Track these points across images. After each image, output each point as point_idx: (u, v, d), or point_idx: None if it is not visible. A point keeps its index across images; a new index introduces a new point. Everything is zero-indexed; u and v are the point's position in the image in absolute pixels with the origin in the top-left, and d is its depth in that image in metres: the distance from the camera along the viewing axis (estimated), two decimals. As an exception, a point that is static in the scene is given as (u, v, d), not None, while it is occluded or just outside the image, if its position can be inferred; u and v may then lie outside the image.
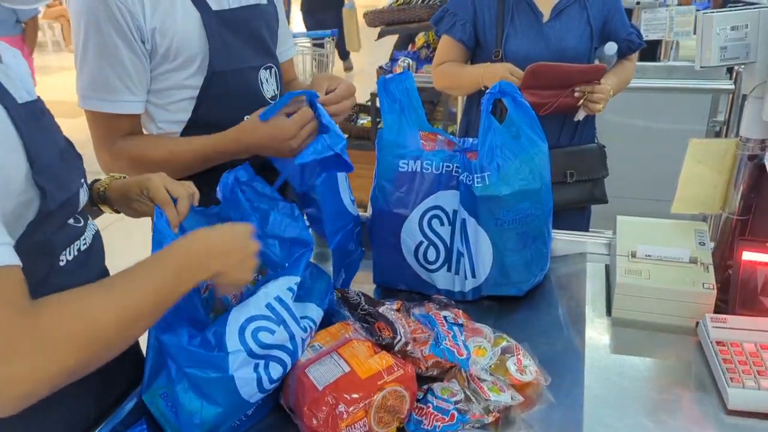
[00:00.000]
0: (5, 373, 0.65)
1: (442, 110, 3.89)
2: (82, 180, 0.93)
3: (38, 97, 0.88)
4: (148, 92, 1.27)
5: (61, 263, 0.85)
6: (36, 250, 0.79)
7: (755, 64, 1.16)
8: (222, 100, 1.28)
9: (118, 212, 1.10)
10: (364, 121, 4.05)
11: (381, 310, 1.10)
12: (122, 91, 1.21)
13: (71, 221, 0.89)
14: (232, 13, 1.28)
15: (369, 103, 3.91)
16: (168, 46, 1.21)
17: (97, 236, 0.97)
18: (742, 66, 1.20)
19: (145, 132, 1.33)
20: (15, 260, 0.70)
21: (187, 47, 1.22)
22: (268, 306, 0.94)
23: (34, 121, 0.81)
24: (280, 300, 0.95)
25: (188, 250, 0.85)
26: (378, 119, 3.77)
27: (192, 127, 1.28)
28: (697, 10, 3.82)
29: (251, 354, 0.90)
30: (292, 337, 0.95)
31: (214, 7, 1.25)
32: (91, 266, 0.93)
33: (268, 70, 1.36)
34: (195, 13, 1.22)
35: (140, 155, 1.24)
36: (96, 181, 1.09)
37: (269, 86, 1.37)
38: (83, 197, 0.91)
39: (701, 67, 1.19)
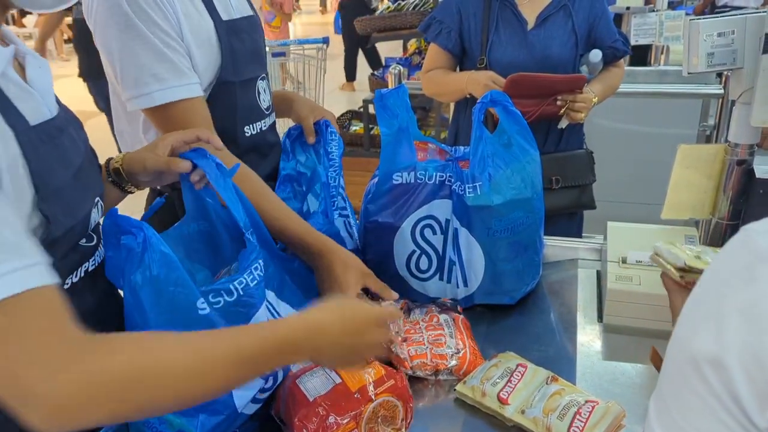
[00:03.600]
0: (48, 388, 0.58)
1: (435, 116, 3.90)
2: (97, 198, 0.88)
3: (61, 109, 0.84)
4: None
5: (66, 286, 0.81)
6: None
7: (742, 70, 1.16)
8: (225, 110, 1.25)
9: (137, 188, 1.04)
10: (357, 127, 4.05)
11: (382, 304, 1.10)
12: (187, 73, 1.13)
13: (82, 241, 0.85)
14: (237, 23, 1.27)
15: (362, 110, 3.92)
16: (188, 49, 1.15)
17: None
18: (730, 71, 1.21)
19: (144, 139, 1.27)
20: (52, 279, 0.63)
21: (203, 54, 1.18)
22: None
23: (47, 143, 0.76)
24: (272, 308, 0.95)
25: (295, 336, 0.77)
26: (371, 125, 3.77)
27: None
28: (687, 14, 3.88)
29: None
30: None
31: (224, 17, 1.23)
32: (99, 287, 0.88)
33: (264, 81, 1.37)
34: (210, 21, 1.20)
35: None
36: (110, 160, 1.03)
37: (265, 96, 1.37)
38: (96, 215, 0.87)
39: (689, 73, 1.19)
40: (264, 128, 1.37)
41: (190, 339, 0.69)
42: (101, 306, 0.89)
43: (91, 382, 0.60)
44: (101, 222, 0.89)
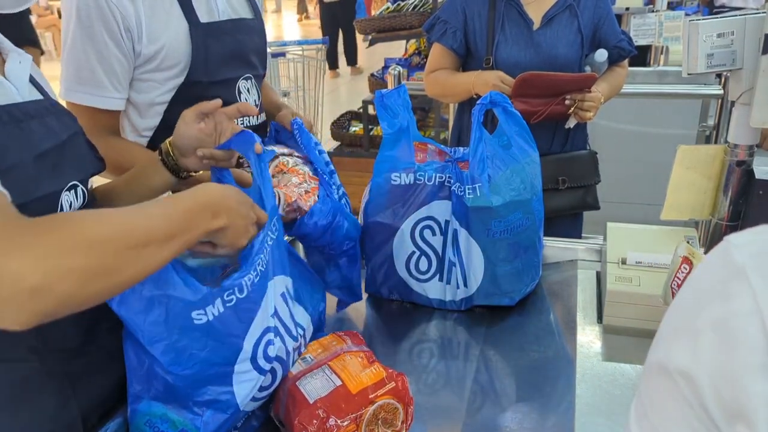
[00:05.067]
0: (10, 267, 0.61)
1: (434, 117, 3.90)
2: (73, 182, 0.92)
3: (46, 100, 0.91)
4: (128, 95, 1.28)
5: None
6: None
7: (742, 71, 1.16)
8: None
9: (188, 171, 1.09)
10: (357, 128, 4.05)
11: None
12: (108, 87, 1.23)
13: None
14: (219, 25, 1.29)
15: (361, 110, 3.92)
16: (156, 50, 1.22)
17: None
18: (730, 72, 1.21)
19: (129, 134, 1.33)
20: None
21: (173, 55, 1.24)
22: (274, 315, 0.94)
23: (8, 123, 0.82)
24: (276, 312, 0.95)
25: (205, 192, 0.84)
26: (370, 126, 3.77)
27: (163, 130, 1.29)
28: (686, 15, 3.87)
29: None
30: (287, 351, 0.95)
31: (204, 19, 1.27)
32: None
33: (248, 81, 1.38)
34: (184, 23, 1.24)
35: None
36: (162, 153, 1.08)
37: (249, 96, 1.38)
38: (70, 200, 0.91)
39: (688, 74, 1.19)
40: (246, 126, 1.37)
41: (123, 211, 0.75)
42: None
43: (61, 251, 0.64)
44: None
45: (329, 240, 1.19)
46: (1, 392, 0.85)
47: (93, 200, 1.00)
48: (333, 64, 8.59)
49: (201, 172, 1.10)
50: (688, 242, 1.06)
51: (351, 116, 4.23)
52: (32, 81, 0.95)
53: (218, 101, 1.00)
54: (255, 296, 0.91)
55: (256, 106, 1.41)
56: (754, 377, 0.43)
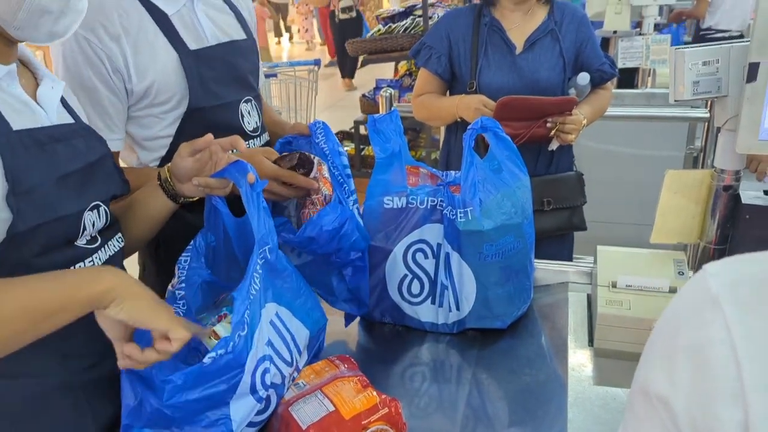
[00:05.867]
0: None
1: (425, 137, 3.93)
2: (96, 203, 0.95)
3: (76, 124, 0.96)
4: (129, 130, 1.29)
5: None
6: (14, 272, 0.80)
7: (727, 98, 1.19)
8: (200, 135, 1.29)
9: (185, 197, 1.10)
10: (348, 148, 4.08)
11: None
12: (103, 130, 1.23)
13: (81, 242, 0.92)
14: (209, 50, 1.30)
15: (352, 131, 3.94)
16: (148, 86, 1.23)
17: (115, 257, 0.99)
18: (715, 99, 1.23)
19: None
20: None
21: (166, 87, 1.25)
22: (268, 343, 0.94)
23: (31, 146, 0.85)
24: (269, 339, 0.95)
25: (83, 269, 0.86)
26: (362, 146, 3.80)
27: (169, 160, 1.29)
28: (672, 36, 3.93)
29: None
30: (283, 377, 0.95)
31: (192, 46, 1.27)
32: None
33: (248, 103, 1.38)
34: (173, 54, 1.25)
35: None
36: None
37: (251, 119, 1.38)
38: (93, 219, 0.94)
39: (675, 100, 1.22)
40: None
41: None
42: None
43: None
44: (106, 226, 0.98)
45: (336, 247, 1.17)
46: (19, 406, 0.87)
47: (115, 221, 1.03)
48: (345, 74, 8.96)
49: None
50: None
51: (342, 136, 4.25)
52: (65, 105, 0.99)
53: (209, 136, 1.02)
54: (251, 329, 0.91)
55: (258, 127, 1.41)
56: (725, 404, 0.44)
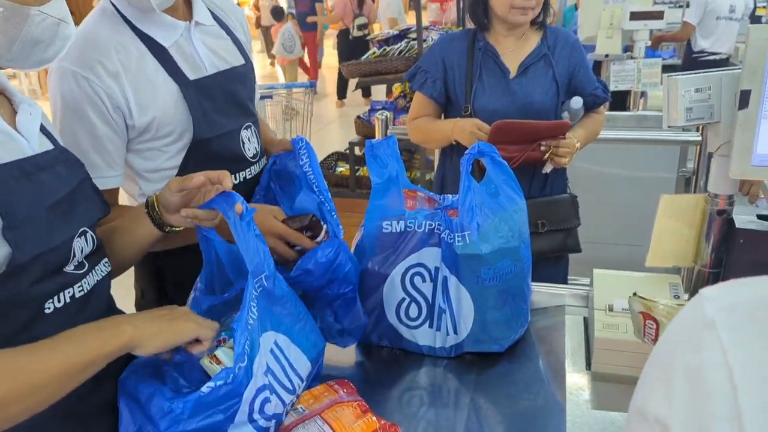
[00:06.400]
0: None
1: (420, 158, 3.95)
2: (84, 228, 0.95)
3: (56, 149, 0.96)
4: (132, 162, 1.29)
5: (47, 311, 0.88)
6: (11, 300, 0.83)
7: (719, 124, 1.21)
8: (205, 166, 1.29)
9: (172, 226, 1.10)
10: (343, 168, 4.09)
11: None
12: (102, 167, 1.23)
13: (69, 269, 0.92)
14: (208, 80, 1.30)
15: (347, 152, 3.96)
16: (149, 121, 1.23)
17: (103, 281, 0.99)
18: (708, 124, 1.25)
19: (129, 200, 1.35)
20: None
21: (168, 120, 1.24)
22: (267, 372, 0.94)
23: (19, 178, 0.86)
24: (269, 368, 0.95)
25: (100, 321, 0.88)
26: (357, 167, 3.81)
27: None
28: (663, 59, 3.99)
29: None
30: (283, 403, 0.95)
31: (191, 76, 1.27)
32: (90, 311, 0.95)
33: (248, 129, 1.39)
34: (173, 86, 1.24)
35: None
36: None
37: (251, 145, 1.39)
38: (81, 245, 0.95)
39: (669, 126, 1.23)
40: (250, 176, 1.39)
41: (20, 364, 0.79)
42: None
43: None
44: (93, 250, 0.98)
45: (330, 278, 1.17)
46: None
47: (101, 245, 1.03)
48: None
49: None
50: (633, 294, 1.11)
51: (337, 157, 4.26)
52: (43, 129, 0.98)
53: (201, 179, 1.02)
54: (250, 359, 0.91)
55: (257, 153, 1.42)
56: (721, 427, 0.45)
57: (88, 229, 0.97)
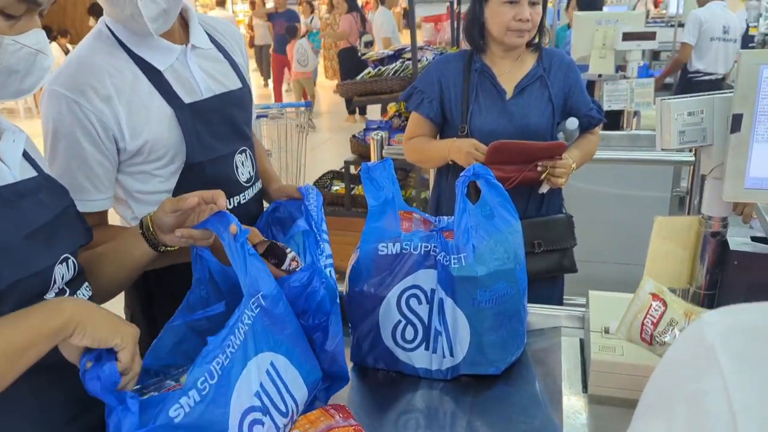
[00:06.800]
0: None
1: (415, 177, 3.96)
2: (66, 255, 0.94)
3: (40, 176, 0.95)
4: (124, 183, 1.29)
5: None
6: None
7: (712, 147, 1.22)
8: (197, 189, 1.29)
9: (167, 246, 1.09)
10: (338, 187, 4.10)
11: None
12: (90, 190, 1.24)
13: (50, 295, 0.91)
14: (204, 103, 1.30)
15: (343, 170, 3.97)
16: (141, 144, 1.23)
17: None
18: (701, 147, 1.26)
19: (122, 222, 1.34)
20: None
21: (161, 144, 1.25)
22: (258, 394, 0.93)
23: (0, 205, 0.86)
24: (263, 389, 0.94)
25: (43, 303, 0.84)
26: (352, 185, 3.82)
27: None
28: (655, 78, 4.04)
29: None
30: (277, 428, 0.94)
31: (187, 99, 1.27)
32: None
33: (243, 154, 1.39)
34: (167, 109, 1.25)
35: None
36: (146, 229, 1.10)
37: (244, 169, 1.39)
38: (62, 272, 0.94)
39: (662, 149, 1.24)
40: (244, 201, 1.39)
41: None
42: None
43: None
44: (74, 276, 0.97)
45: (303, 308, 1.10)
46: None
47: (82, 271, 1.01)
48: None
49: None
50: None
51: (333, 175, 4.28)
52: (26, 156, 0.97)
53: (195, 200, 1.02)
54: (227, 380, 0.90)
55: (251, 177, 1.42)
56: None
57: (70, 256, 0.96)
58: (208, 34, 1.38)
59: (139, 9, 1.15)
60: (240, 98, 1.40)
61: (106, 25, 1.26)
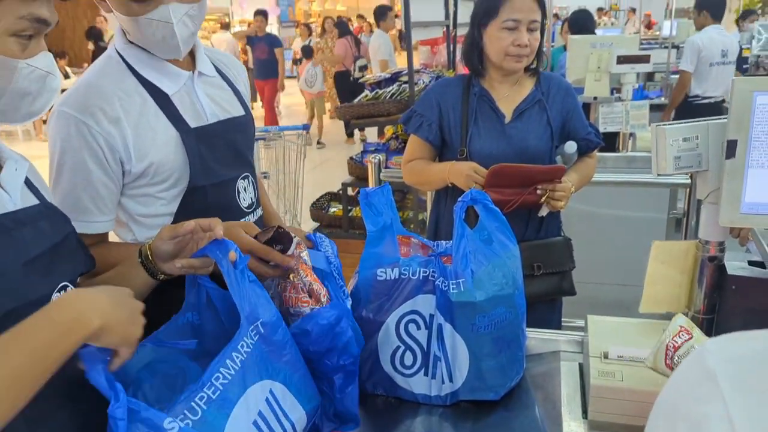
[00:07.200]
0: None
1: (412, 199, 3.97)
2: (64, 283, 0.95)
3: (41, 204, 0.96)
4: (127, 206, 1.30)
5: None
6: None
7: (708, 172, 1.23)
8: (199, 213, 1.30)
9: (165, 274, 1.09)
10: (336, 209, 4.10)
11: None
12: (93, 212, 1.24)
13: None
14: (209, 128, 1.32)
15: (340, 192, 3.98)
16: (146, 166, 1.24)
17: None
18: (697, 172, 1.28)
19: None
20: None
21: (166, 166, 1.26)
22: (257, 423, 0.93)
23: None
24: (262, 418, 0.94)
25: (63, 307, 0.82)
26: (349, 207, 3.83)
27: None
28: (650, 99, 4.07)
29: None
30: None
31: (192, 124, 1.29)
32: (70, 363, 0.91)
33: (245, 180, 1.40)
34: (173, 132, 1.26)
35: None
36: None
37: (246, 195, 1.40)
38: None
39: (658, 174, 1.25)
40: None
41: None
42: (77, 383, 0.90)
43: None
44: None
45: (328, 346, 1.08)
46: None
47: None
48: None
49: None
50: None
51: (330, 197, 4.29)
52: (28, 184, 0.98)
53: (191, 225, 1.03)
54: (224, 407, 0.90)
55: (253, 203, 1.43)
56: None
57: (69, 284, 0.96)
58: (214, 65, 1.41)
59: (174, 32, 1.19)
60: (243, 125, 1.42)
61: (117, 51, 1.29)
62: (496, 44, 1.83)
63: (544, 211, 1.89)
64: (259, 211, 1.46)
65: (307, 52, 9.54)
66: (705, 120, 1.22)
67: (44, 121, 10.44)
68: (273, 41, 9.16)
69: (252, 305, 0.98)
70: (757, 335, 0.51)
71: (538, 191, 1.81)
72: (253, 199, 1.43)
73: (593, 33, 4.82)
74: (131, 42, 1.28)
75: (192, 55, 1.36)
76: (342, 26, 9.41)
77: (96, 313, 0.82)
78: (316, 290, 1.12)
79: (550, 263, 1.96)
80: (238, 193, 1.37)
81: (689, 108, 4.84)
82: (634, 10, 17.28)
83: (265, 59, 9.15)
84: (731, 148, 1.13)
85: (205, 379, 0.89)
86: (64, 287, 0.95)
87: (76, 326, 0.80)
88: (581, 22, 4.94)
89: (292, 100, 13.39)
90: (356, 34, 10.54)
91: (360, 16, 14.79)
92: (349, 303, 1.17)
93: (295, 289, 1.12)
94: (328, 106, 9.96)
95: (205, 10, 1.27)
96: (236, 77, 1.48)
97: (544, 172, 1.80)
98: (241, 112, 1.42)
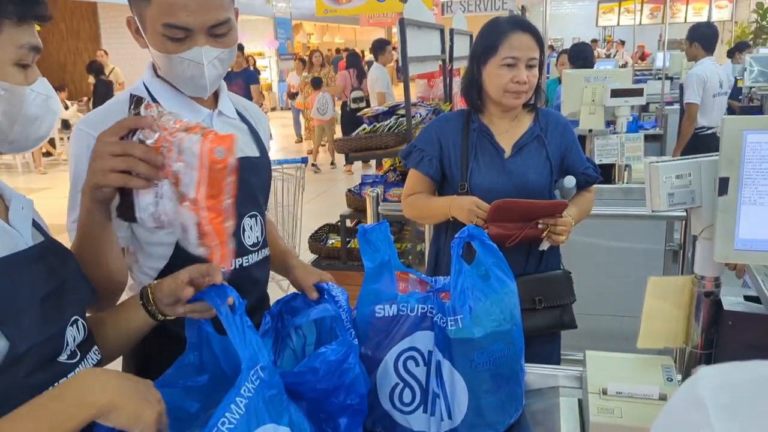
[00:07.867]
0: None
1: (410, 231, 3.98)
2: (75, 317, 0.97)
3: (46, 240, 0.98)
4: (134, 229, 1.31)
5: None
6: (7, 393, 0.82)
7: (701, 209, 1.25)
8: None
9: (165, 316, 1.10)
10: (334, 240, 4.11)
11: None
12: None
13: (63, 358, 0.92)
14: None
15: (339, 224, 3.99)
16: None
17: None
18: (691, 209, 1.29)
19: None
20: None
21: None
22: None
23: (13, 272, 0.88)
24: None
25: (72, 382, 0.84)
26: (348, 239, 3.84)
27: (168, 273, 1.30)
28: (645, 130, 4.11)
29: None
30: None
31: None
32: None
33: (252, 218, 1.41)
34: None
35: None
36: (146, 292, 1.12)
37: (252, 233, 1.40)
38: (73, 334, 0.96)
39: (653, 211, 1.27)
40: (247, 264, 1.40)
41: None
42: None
43: None
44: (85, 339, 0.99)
45: (336, 383, 1.08)
46: None
47: (91, 333, 1.03)
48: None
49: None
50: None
51: (329, 229, 4.30)
52: (33, 223, 1.00)
53: (191, 292, 1.04)
54: None
55: (258, 242, 1.44)
56: None
57: (79, 317, 0.99)
58: (237, 111, 1.45)
59: (203, 72, 1.24)
60: (257, 165, 1.43)
61: (143, 84, 1.33)
62: (495, 81, 1.87)
63: (545, 245, 1.90)
64: (265, 251, 1.47)
65: (317, 83, 9.82)
66: (698, 157, 1.24)
67: (43, 154, 10.51)
68: (250, 77, 8.95)
69: (252, 350, 0.99)
70: (747, 365, 0.52)
71: (540, 226, 1.83)
72: (259, 239, 1.43)
73: (592, 65, 4.89)
74: (159, 76, 1.33)
75: (216, 95, 1.40)
76: (351, 58, 9.62)
77: (105, 390, 0.83)
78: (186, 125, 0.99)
79: (551, 297, 1.97)
80: (244, 230, 1.38)
81: (695, 139, 4.89)
82: (623, 43, 17.55)
83: (241, 95, 9.15)
84: (723, 186, 1.15)
85: (212, 424, 0.89)
86: (75, 321, 0.97)
87: (85, 401, 0.81)
88: (581, 54, 5.02)
89: (287, 131, 13.48)
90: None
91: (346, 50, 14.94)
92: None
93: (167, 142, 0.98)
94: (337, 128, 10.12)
95: (235, 55, 1.31)
96: (257, 123, 1.51)
97: (546, 207, 1.83)
98: (256, 153, 1.44)
